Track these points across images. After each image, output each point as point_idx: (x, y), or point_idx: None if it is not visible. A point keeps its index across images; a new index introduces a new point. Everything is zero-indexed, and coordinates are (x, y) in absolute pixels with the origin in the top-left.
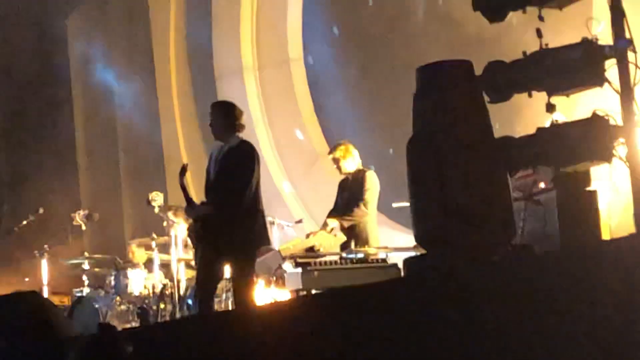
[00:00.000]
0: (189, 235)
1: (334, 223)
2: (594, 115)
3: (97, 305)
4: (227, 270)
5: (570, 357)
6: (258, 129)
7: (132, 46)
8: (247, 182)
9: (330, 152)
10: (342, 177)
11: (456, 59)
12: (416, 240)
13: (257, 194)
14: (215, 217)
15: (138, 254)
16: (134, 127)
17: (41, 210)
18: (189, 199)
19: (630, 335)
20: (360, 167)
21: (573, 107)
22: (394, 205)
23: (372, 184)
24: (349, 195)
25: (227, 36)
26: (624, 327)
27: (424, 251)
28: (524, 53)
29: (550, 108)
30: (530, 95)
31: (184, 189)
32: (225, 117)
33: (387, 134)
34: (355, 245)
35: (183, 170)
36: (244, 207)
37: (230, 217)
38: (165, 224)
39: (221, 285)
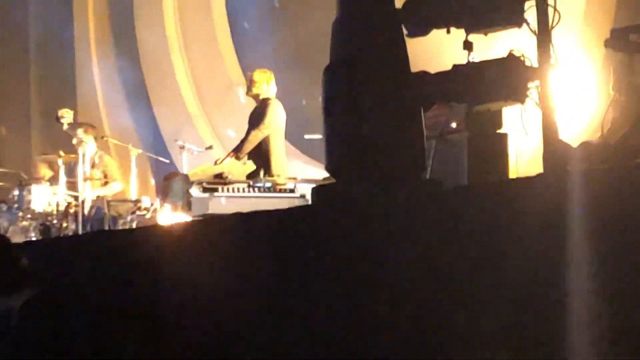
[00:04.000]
0: None
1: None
2: (510, 55)
3: None
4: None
5: (470, 287)
6: (173, 54)
7: None
8: None
9: (251, 72)
10: (253, 107)
11: None
12: (327, 169)
13: None
14: None
15: (42, 169)
16: (47, 43)
17: None
18: None
19: (531, 269)
20: (268, 97)
21: (490, 47)
22: (306, 137)
23: (274, 111)
24: (250, 123)
25: None
26: (525, 262)
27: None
28: None
29: (468, 46)
30: (448, 32)
31: None
32: None
33: (305, 66)
34: (264, 174)
35: None
36: None
37: None
38: (74, 141)
39: (126, 206)
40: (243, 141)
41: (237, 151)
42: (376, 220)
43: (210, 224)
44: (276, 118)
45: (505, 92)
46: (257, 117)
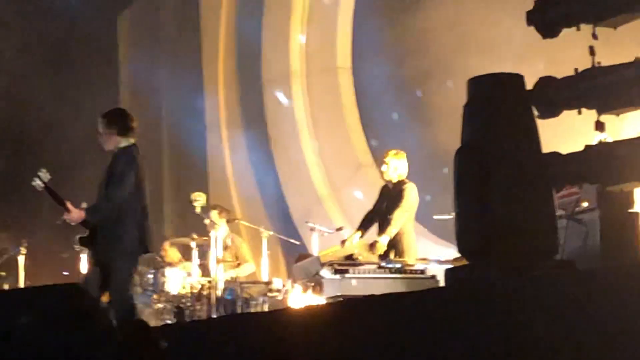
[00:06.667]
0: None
1: (384, 240)
2: None
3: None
4: (265, 273)
5: None
6: (302, 136)
7: (181, 49)
8: (119, 187)
9: (385, 154)
10: (383, 183)
11: (508, 72)
12: (459, 251)
13: (133, 201)
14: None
15: (171, 253)
16: (179, 128)
17: (84, 205)
18: (61, 201)
19: None
20: (403, 179)
21: (621, 126)
22: (435, 217)
23: (411, 196)
24: (388, 205)
25: (277, 42)
26: None
27: (463, 265)
28: (576, 70)
29: (600, 126)
30: (579, 113)
31: (52, 194)
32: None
33: (433, 147)
34: (394, 255)
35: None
36: (114, 214)
37: (100, 223)
38: (207, 221)
39: (258, 288)
40: (390, 220)
41: (383, 232)
42: (510, 304)
43: (340, 308)
44: (413, 201)
45: (638, 173)
46: (395, 199)
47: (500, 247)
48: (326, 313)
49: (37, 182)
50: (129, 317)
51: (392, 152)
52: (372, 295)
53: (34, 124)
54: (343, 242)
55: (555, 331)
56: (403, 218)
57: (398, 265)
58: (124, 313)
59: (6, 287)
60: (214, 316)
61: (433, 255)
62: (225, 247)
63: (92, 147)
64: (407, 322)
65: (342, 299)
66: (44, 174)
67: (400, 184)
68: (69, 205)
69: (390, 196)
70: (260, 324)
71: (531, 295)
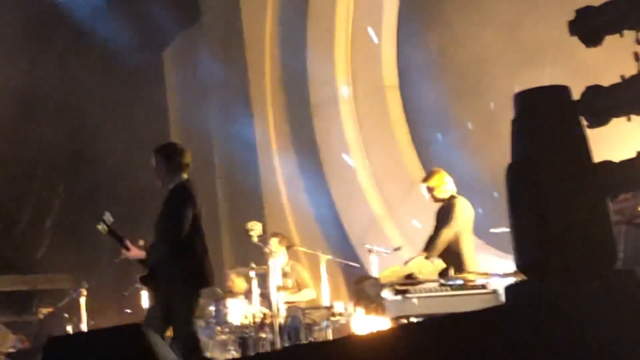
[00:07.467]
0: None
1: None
2: None
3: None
4: (326, 298)
5: None
6: (354, 157)
7: (228, 77)
8: (177, 224)
9: (423, 181)
10: (438, 205)
11: (554, 85)
12: (517, 266)
13: (192, 236)
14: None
15: (238, 283)
16: (231, 158)
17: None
18: (122, 241)
19: None
20: (453, 194)
21: None
22: (492, 230)
23: (461, 208)
24: (438, 223)
25: (322, 65)
26: None
27: (524, 277)
28: (622, 77)
29: None
30: (629, 119)
31: (115, 235)
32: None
33: (485, 159)
34: (454, 271)
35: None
36: (174, 248)
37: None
38: (267, 250)
39: (320, 313)
40: (433, 240)
41: (427, 250)
42: (572, 319)
43: (404, 333)
44: (463, 215)
45: None
46: (444, 216)
47: (558, 260)
48: (389, 339)
49: (102, 226)
50: (194, 352)
51: (430, 174)
52: (434, 317)
53: (91, 160)
54: (406, 263)
55: (619, 343)
56: (449, 235)
57: (459, 282)
58: (188, 348)
59: (69, 328)
60: (278, 346)
61: (494, 268)
62: (285, 275)
63: (149, 180)
64: (467, 343)
65: (405, 322)
66: (108, 217)
67: (450, 200)
68: (128, 243)
69: (440, 213)
70: (325, 354)
71: (592, 308)
